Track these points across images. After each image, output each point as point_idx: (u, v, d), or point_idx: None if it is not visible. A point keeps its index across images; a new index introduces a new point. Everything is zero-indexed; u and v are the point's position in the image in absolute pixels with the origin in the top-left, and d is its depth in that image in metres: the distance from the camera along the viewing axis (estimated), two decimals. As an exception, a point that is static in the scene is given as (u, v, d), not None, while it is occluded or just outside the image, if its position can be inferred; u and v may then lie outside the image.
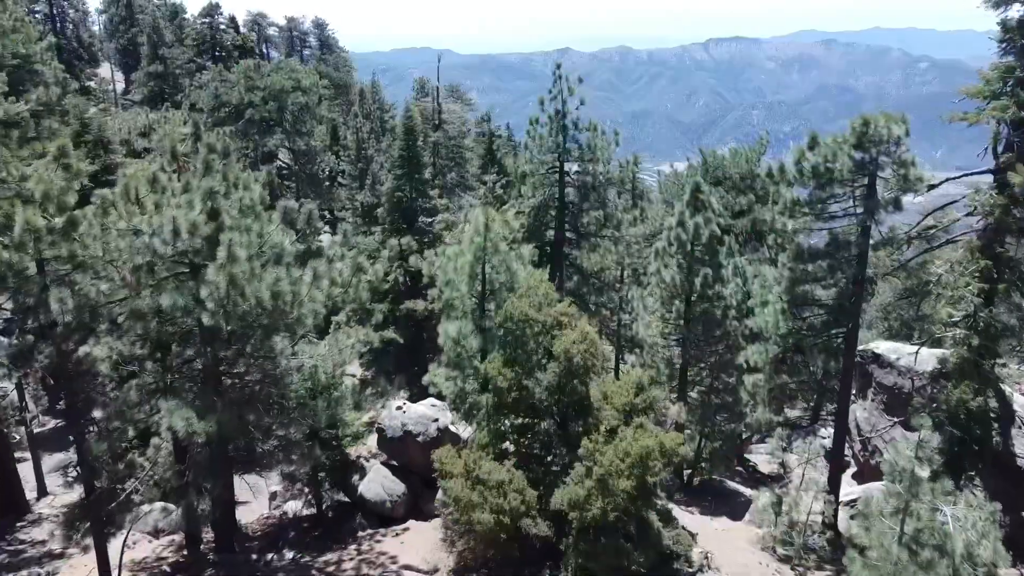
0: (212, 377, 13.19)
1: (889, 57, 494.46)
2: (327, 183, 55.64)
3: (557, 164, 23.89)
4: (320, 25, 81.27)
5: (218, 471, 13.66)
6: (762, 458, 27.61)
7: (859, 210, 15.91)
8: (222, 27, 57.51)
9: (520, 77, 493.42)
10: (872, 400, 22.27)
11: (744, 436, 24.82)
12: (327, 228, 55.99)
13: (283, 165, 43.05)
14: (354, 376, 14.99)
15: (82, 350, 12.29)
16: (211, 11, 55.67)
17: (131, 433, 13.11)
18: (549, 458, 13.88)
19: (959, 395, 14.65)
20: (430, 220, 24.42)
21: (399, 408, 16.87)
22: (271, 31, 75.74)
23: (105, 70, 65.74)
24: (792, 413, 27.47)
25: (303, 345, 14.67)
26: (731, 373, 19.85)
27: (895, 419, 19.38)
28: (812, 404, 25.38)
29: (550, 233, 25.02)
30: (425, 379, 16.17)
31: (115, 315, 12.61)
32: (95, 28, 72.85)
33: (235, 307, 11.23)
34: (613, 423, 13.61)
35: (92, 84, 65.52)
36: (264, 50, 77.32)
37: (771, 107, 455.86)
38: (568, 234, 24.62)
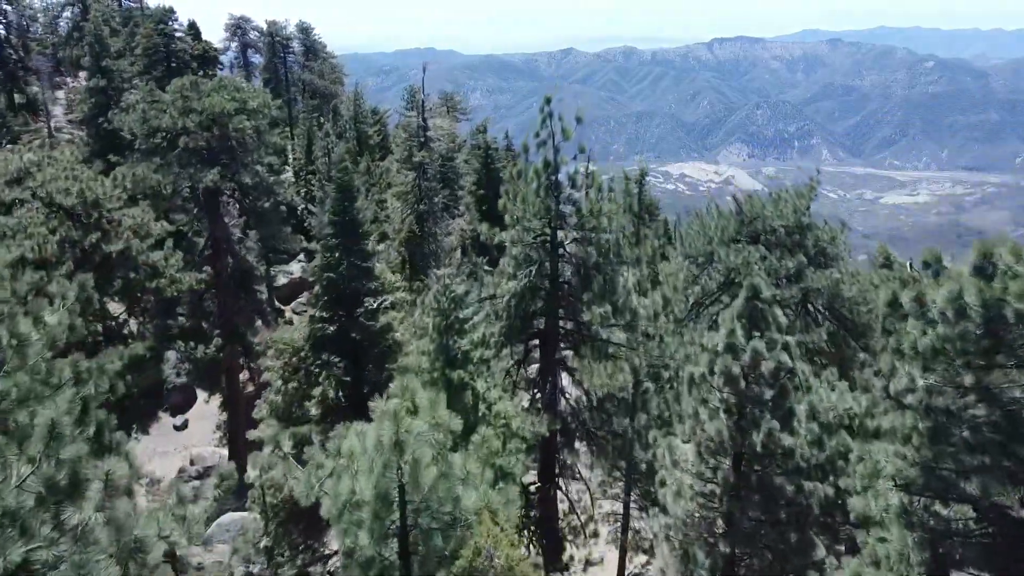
0: None
1: (894, 56, 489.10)
2: (299, 211, 49.35)
3: (548, 232, 17.36)
4: (305, 30, 75.16)
5: None
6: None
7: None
8: (178, 34, 50.95)
9: (524, 77, 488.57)
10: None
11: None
12: (301, 258, 49.78)
13: (239, 199, 36.48)
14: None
15: None
16: (164, 17, 49.14)
17: None
18: None
19: None
20: (376, 303, 17.93)
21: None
22: (254, 35, 69.68)
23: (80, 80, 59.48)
24: None
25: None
26: (805, 568, 13.30)
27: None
28: None
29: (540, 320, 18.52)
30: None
31: None
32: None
33: None
34: None
35: (59, 95, 59.37)
36: (247, 57, 71.23)
37: (776, 107, 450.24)
38: (563, 321, 18.09)
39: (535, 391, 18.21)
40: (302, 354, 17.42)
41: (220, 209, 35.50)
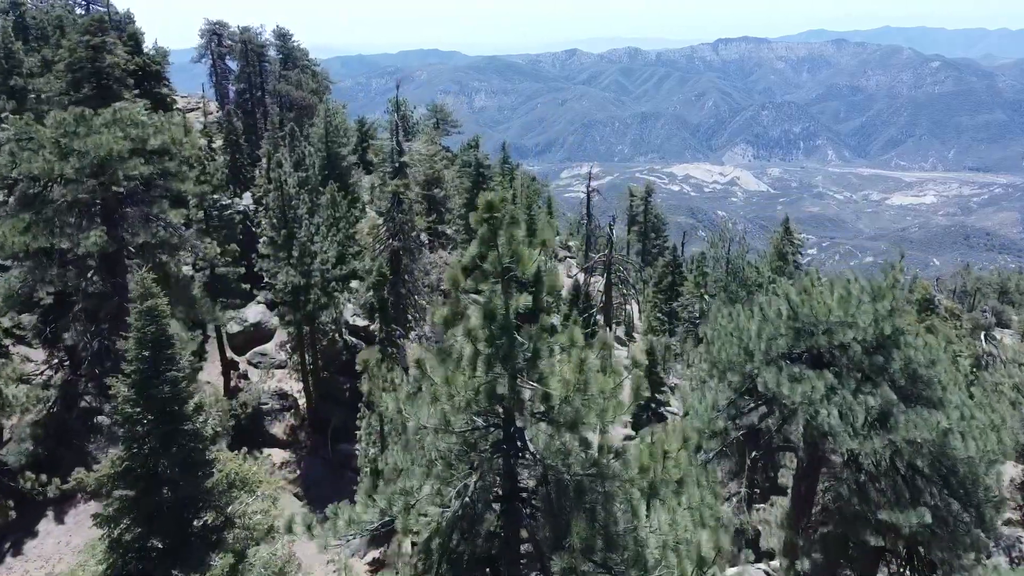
0: None
1: (900, 56, 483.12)
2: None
3: (499, 420, 10.20)
4: (283, 36, 68.15)
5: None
6: None
7: None
8: (111, 47, 43.49)
9: (528, 78, 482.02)
10: None
11: None
12: (261, 299, 42.72)
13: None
14: None
15: None
16: (91, 28, 41.64)
17: None
18: None
19: None
20: (219, 518, 10.60)
21: None
22: (231, 43, 62.84)
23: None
24: None
25: None
26: None
27: None
28: None
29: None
30: None
31: None
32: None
33: None
34: None
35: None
36: (222, 66, 64.52)
37: (781, 108, 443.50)
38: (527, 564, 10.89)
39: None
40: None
41: (124, 271, 28.39)
